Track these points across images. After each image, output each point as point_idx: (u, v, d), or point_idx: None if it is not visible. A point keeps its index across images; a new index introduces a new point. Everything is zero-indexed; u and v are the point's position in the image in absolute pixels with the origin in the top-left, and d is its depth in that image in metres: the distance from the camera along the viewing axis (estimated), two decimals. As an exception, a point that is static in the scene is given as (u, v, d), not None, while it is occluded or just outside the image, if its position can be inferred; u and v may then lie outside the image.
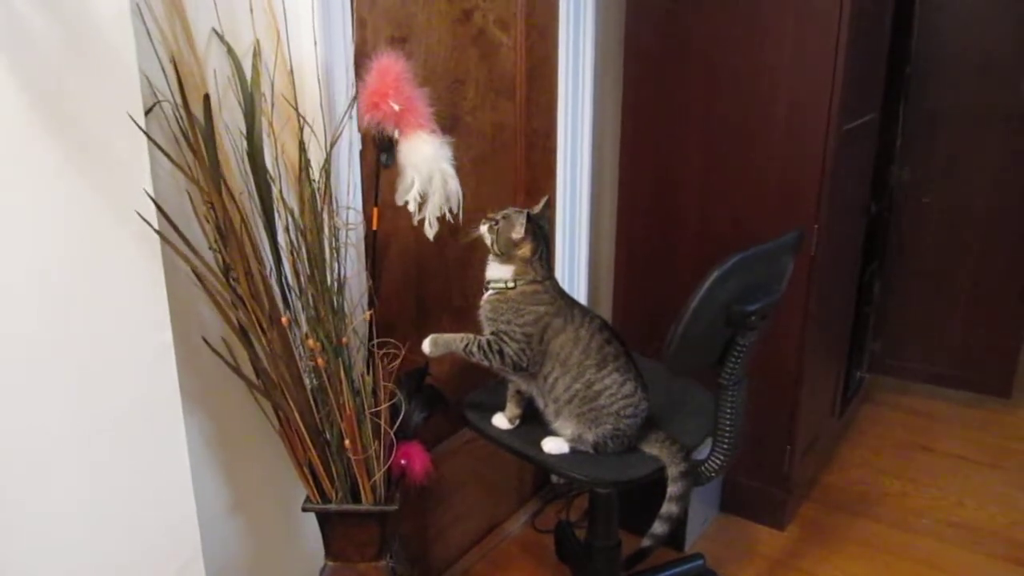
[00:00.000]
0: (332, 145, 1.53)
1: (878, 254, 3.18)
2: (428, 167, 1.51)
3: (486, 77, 2.08)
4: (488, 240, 1.65)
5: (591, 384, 1.60)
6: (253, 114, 1.40)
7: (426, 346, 1.63)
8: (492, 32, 2.07)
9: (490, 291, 1.66)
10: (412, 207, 1.53)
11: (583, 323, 1.63)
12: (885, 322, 3.41)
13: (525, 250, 1.63)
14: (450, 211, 1.56)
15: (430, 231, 1.56)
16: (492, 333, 1.63)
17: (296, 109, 1.46)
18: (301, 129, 1.45)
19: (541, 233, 1.65)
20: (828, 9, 2.06)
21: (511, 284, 1.63)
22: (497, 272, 1.65)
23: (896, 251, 3.34)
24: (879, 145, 2.79)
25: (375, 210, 1.63)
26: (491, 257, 1.66)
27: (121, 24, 1.14)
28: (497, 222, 1.64)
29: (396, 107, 1.46)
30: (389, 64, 1.47)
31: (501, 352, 1.61)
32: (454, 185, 1.55)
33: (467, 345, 1.63)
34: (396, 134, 1.51)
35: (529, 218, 1.62)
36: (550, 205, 1.70)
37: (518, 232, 1.61)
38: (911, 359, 3.45)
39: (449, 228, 1.59)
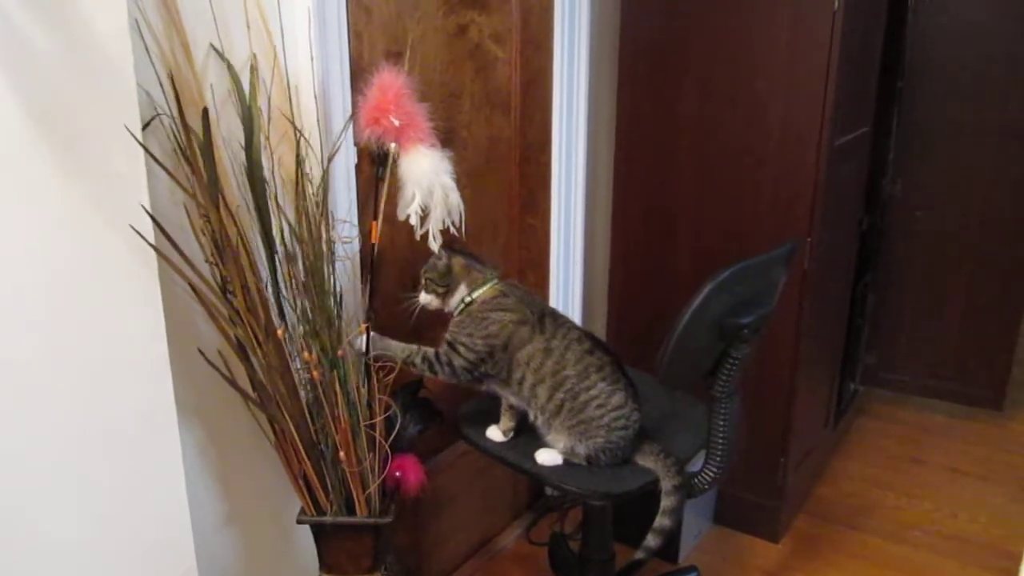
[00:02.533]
0: (330, 160, 1.54)
1: (871, 267, 3.20)
2: (428, 181, 1.52)
3: (481, 91, 2.09)
4: (435, 300, 1.65)
5: (576, 395, 1.59)
6: (252, 128, 1.41)
7: (359, 341, 1.59)
8: (487, 46, 2.08)
9: (456, 315, 1.67)
10: (414, 221, 1.54)
11: (555, 334, 1.62)
12: (878, 335, 3.43)
13: (456, 264, 1.64)
14: (453, 224, 1.57)
15: (434, 244, 1.57)
16: (447, 343, 1.62)
17: (292, 123, 1.47)
18: (298, 143, 1.46)
19: (456, 249, 1.66)
20: (821, 24, 2.08)
21: (469, 299, 1.64)
22: (455, 299, 1.66)
23: (889, 264, 3.36)
24: (872, 159, 2.81)
25: (373, 224, 1.64)
26: (444, 302, 1.66)
27: (120, 39, 1.15)
28: (426, 280, 1.65)
29: (396, 122, 1.47)
30: (390, 80, 1.48)
31: (451, 364, 1.60)
32: (455, 198, 1.56)
33: (408, 356, 1.61)
34: (392, 147, 1.53)
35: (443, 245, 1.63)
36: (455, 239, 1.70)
37: (438, 255, 1.62)
38: (904, 372, 3.47)
39: (446, 241, 1.60)
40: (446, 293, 1.65)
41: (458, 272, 1.64)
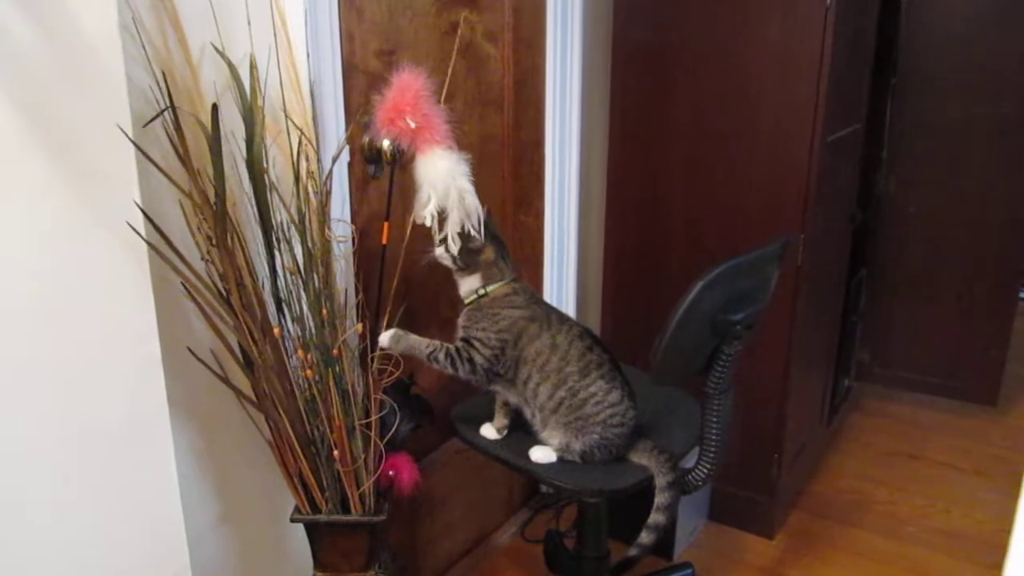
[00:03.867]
0: (335, 160, 1.53)
1: (865, 263, 3.21)
2: (444, 184, 1.51)
3: (474, 89, 2.09)
4: (447, 260, 1.63)
5: (576, 392, 1.60)
6: (254, 125, 1.40)
7: (384, 340, 1.58)
8: (480, 44, 2.08)
9: (467, 306, 1.66)
10: (429, 223, 1.53)
11: (560, 330, 1.63)
12: (872, 331, 3.44)
13: (488, 253, 1.63)
14: (472, 227, 1.56)
15: (453, 247, 1.57)
16: (462, 339, 1.62)
17: (293, 122, 1.47)
18: (299, 141, 1.46)
19: (495, 235, 1.65)
20: (813, 21, 2.08)
21: (483, 292, 1.64)
22: (467, 285, 1.65)
23: (883, 260, 3.36)
24: (865, 155, 2.81)
25: (386, 225, 1.63)
26: (456, 274, 1.65)
27: (110, 39, 1.15)
28: (459, 247, 1.63)
29: (413, 124, 1.46)
30: (409, 81, 1.46)
31: (471, 360, 1.60)
32: (472, 201, 1.55)
33: (432, 352, 1.60)
34: (385, 146, 1.52)
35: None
36: (492, 213, 1.67)
37: (476, 240, 1.61)
38: (898, 367, 3.48)
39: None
40: (461, 270, 1.63)
41: (482, 261, 1.63)
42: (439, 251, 1.64)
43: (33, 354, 1.16)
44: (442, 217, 1.53)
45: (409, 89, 1.46)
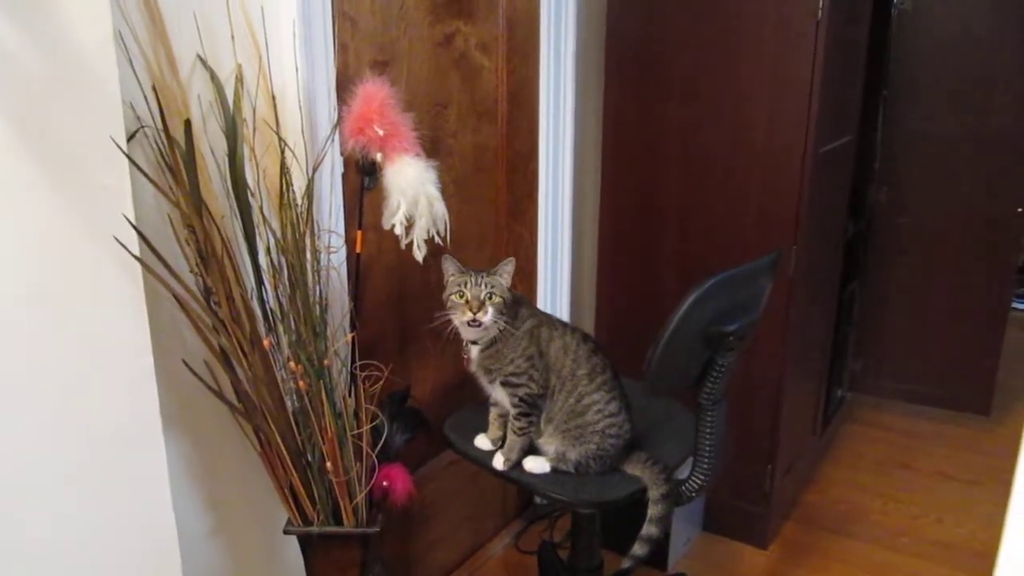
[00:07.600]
0: (315, 170, 1.54)
1: (857, 274, 3.22)
2: (413, 191, 1.52)
3: (468, 100, 2.10)
4: (498, 321, 1.59)
5: (581, 397, 1.61)
6: (235, 138, 1.41)
7: (501, 464, 1.63)
8: (474, 56, 2.09)
9: (477, 347, 1.62)
10: (399, 230, 1.53)
11: (566, 332, 1.64)
12: (865, 341, 3.45)
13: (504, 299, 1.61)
14: (437, 233, 1.57)
15: (419, 254, 1.56)
16: (503, 385, 1.61)
17: (277, 133, 1.47)
18: (282, 153, 1.46)
19: (510, 291, 1.62)
20: (805, 35, 2.09)
21: (493, 334, 1.61)
22: (475, 332, 1.61)
23: (875, 271, 3.38)
24: (857, 167, 2.83)
25: (359, 233, 1.64)
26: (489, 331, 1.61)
27: (104, 51, 1.15)
28: (494, 305, 1.57)
29: (380, 132, 1.47)
30: (374, 90, 1.48)
31: (522, 399, 1.60)
32: (440, 208, 1.56)
33: (515, 425, 1.62)
34: (380, 157, 1.52)
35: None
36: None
37: (504, 286, 1.59)
38: (891, 378, 3.49)
39: (431, 250, 1.60)
40: (510, 319, 1.60)
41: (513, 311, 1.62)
42: (487, 317, 1.58)
43: (26, 366, 1.16)
44: (410, 224, 1.54)
45: (375, 98, 1.47)
